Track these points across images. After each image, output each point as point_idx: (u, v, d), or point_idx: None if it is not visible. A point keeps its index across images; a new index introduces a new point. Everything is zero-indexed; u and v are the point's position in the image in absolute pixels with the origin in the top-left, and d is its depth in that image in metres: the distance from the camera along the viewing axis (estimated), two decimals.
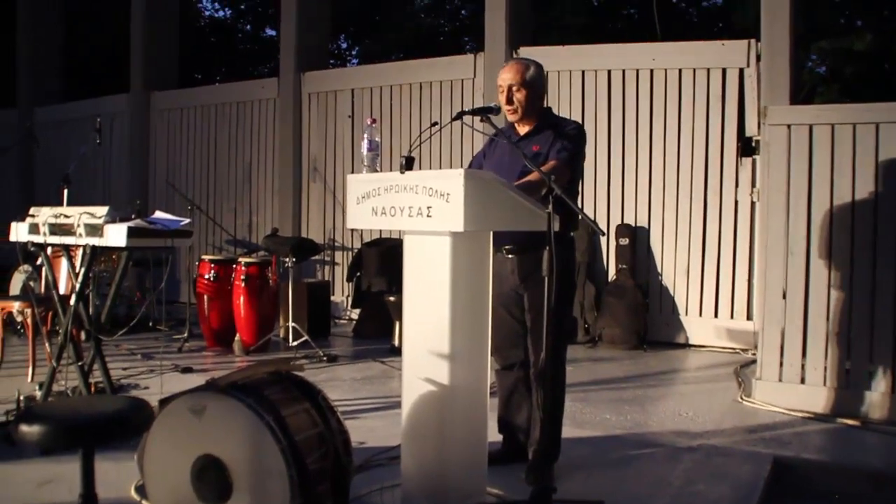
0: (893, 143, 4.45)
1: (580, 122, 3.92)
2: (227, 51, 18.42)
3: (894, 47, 11.13)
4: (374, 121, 3.33)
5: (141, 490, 2.89)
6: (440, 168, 7.65)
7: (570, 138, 3.41)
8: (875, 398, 4.44)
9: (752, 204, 6.67)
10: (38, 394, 4.31)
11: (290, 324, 6.38)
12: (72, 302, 4.13)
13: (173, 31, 10.70)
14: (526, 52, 7.29)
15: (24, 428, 2.25)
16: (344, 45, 18.84)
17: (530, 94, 3.46)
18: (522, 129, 3.55)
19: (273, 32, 17.74)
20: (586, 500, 3.18)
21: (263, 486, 2.48)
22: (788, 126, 4.72)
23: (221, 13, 18.90)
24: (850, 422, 4.37)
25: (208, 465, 2.54)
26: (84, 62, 14.23)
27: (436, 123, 3.29)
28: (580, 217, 3.03)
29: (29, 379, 5.11)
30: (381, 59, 13.81)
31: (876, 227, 4.49)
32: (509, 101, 3.47)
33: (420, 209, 2.80)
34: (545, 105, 3.63)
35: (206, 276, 6.67)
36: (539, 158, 3.36)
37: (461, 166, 6.92)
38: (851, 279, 4.54)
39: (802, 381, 4.65)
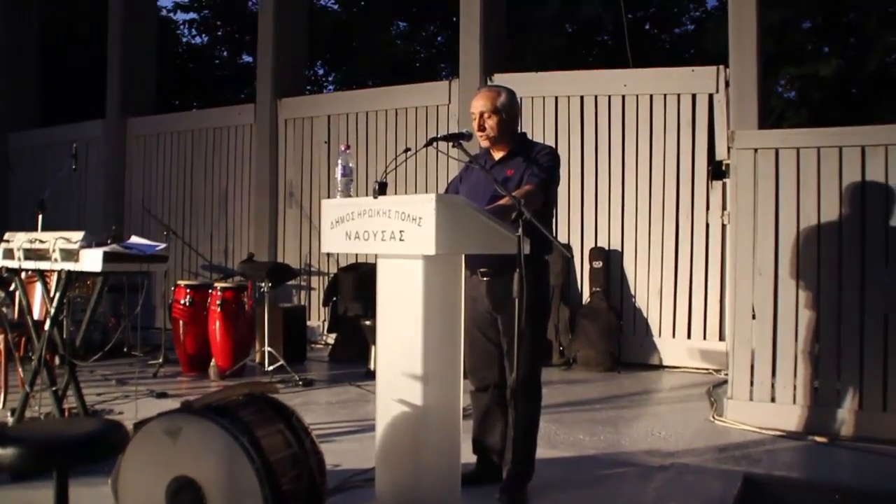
0: (856, 166, 4.56)
1: (553, 146, 3.99)
2: (203, 77, 18.44)
3: (860, 73, 11.38)
4: (347, 147, 3.38)
5: None
6: (414, 193, 7.71)
7: (543, 162, 3.47)
8: (844, 415, 4.52)
9: (723, 226, 6.78)
10: (11, 420, 4.28)
11: (266, 348, 6.38)
12: (46, 327, 4.12)
13: (150, 57, 10.72)
14: (500, 78, 7.39)
15: None
16: (320, 72, 18.94)
17: (501, 121, 3.52)
18: (497, 154, 3.62)
19: (249, 59, 17.83)
20: None
21: None
22: (755, 150, 4.82)
23: (198, 39, 18.93)
24: (819, 439, 4.44)
25: (183, 486, 2.55)
26: (60, 87, 14.19)
27: (408, 149, 3.34)
28: (551, 240, 3.09)
29: (0, 405, 5.07)
30: (357, 85, 13.91)
31: (841, 248, 4.59)
32: (481, 127, 3.54)
33: (393, 233, 2.86)
34: (520, 130, 3.70)
35: (182, 302, 6.66)
36: (512, 183, 3.42)
37: (435, 191, 6.99)
38: (818, 299, 4.63)
39: (773, 399, 4.73)
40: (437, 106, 8.12)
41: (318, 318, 8.57)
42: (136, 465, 2.67)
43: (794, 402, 4.67)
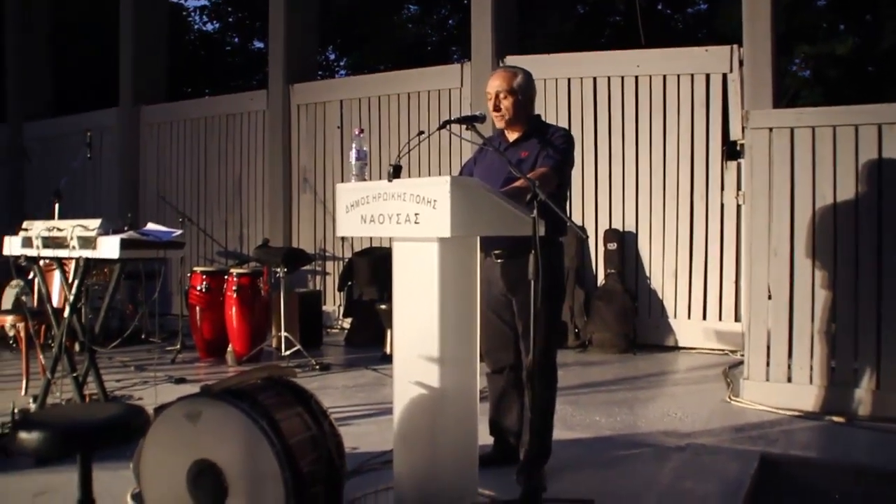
0: (872, 145, 4.53)
1: (567, 128, 3.98)
2: (215, 64, 18.47)
3: (876, 50, 11.26)
4: (361, 131, 3.38)
5: (137, 497, 2.92)
6: (428, 176, 7.71)
7: (557, 144, 3.46)
8: (861, 395, 4.51)
9: (738, 207, 6.74)
10: (33, 406, 4.33)
11: (283, 333, 6.41)
12: (66, 314, 4.17)
13: (162, 45, 10.75)
14: (512, 60, 7.36)
15: (23, 435, 2.29)
16: (332, 56, 18.94)
17: (517, 101, 3.51)
18: (511, 136, 3.61)
19: (261, 45, 17.85)
20: (576, 500, 3.24)
21: (258, 489, 2.52)
22: (770, 129, 4.79)
23: (210, 26, 18.95)
24: (836, 419, 4.44)
25: (204, 469, 2.58)
26: (73, 77, 14.25)
27: (422, 132, 3.34)
28: (566, 221, 3.09)
29: (23, 392, 5.13)
30: (368, 69, 13.88)
31: (857, 227, 4.56)
32: (496, 108, 3.53)
33: (408, 216, 2.86)
34: (534, 112, 3.69)
35: (198, 288, 6.71)
36: (527, 165, 3.42)
37: (448, 174, 6.99)
38: (835, 278, 4.61)
39: (789, 379, 4.72)
40: (450, 89, 8.10)
41: (333, 303, 8.60)
42: (157, 448, 2.70)
43: (811, 382, 4.66)
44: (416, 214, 2.82)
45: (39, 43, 11.73)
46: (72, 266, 4.25)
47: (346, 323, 7.92)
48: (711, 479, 3.54)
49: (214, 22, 18.92)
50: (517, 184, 3.12)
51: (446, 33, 17.72)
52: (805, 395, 4.64)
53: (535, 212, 2.79)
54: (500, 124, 3.59)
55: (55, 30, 12.14)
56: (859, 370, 4.56)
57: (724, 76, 6.89)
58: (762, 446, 3.97)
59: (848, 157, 4.58)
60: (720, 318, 6.90)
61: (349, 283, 7.83)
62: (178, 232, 4.20)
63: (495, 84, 3.52)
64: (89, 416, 2.51)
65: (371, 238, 7.82)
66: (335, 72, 18.61)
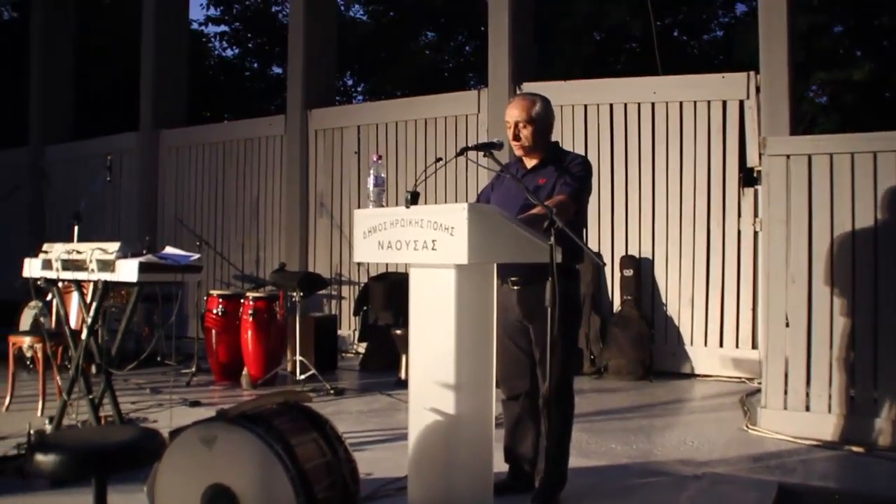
0: (891, 172, 4.50)
1: (584, 155, 3.98)
2: (234, 89, 18.65)
3: (893, 76, 11.24)
4: (379, 157, 3.40)
5: None
6: (444, 202, 7.73)
7: (575, 172, 3.47)
8: (881, 425, 4.45)
9: (755, 233, 6.72)
10: (49, 427, 4.35)
11: (298, 357, 6.41)
12: (83, 336, 4.19)
13: (182, 71, 10.88)
14: (529, 87, 7.39)
15: (39, 457, 2.30)
16: (349, 82, 19.08)
17: (536, 130, 3.52)
18: (529, 163, 3.62)
19: (279, 70, 18.01)
20: None
21: None
22: (787, 156, 4.78)
23: (229, 52, 19.16)
24: (856, 449, 4.38)
25: (218, 494, 2.58)
26: (94, 101, 14.43)
27: (440, 159, 3.36)
28: (583, 249, 3.09)
29: (39, 413, 5.15)
30: (385, 95, 13.98)
31: (876, 254, 4.53)
32: (516, 137, 3.53)
33: (425, 242, 2.87)
34: (552, 139, 3.70)
35: (215, 311, 6.73)
36: (544, 192, 3.42)
37: (465, 200, 7.00)
38: (854, 306, 4.57)
39: (807, 408, 4.67)
40: (466, 115, 8.14)
41: (348, 328, 8.60)
42: (172, 472, 2.70)
43: (830, 411, 4.60)
44: (433, 241, 2.83)
45: (62, 67, 11.90)
46: (90, 288, 4.28)
47: (361, 347, 7.92)
48: None
49: (234, 48, 19.14)
50: (535, 211, 3.13)
51: (463, 59, 17.83)
52: (824, 424, 4.58)
53: (552, 239, 2.79)
54: (519, 153, 3.60)
55: (77, 54, 12.32)
56: (879, 399, 4.50)
57: (741, 103, 6.89)
58: (780, 476, 3.92)
59: (867, 184, 4.56)
60: (737, 346, 6.85)
61: (364, 307, 7.84)
62: (196, 256, 4.23)
63: (514, 113, 3.53)
64: (106, 439, 2.51)
65: (387, 263, 7.83)
66: (352, 97, 18.76)
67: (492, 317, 3.09)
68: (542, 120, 3.53)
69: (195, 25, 17.98)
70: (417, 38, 18.07)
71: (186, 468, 2.66)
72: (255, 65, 19.53)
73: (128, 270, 3.87)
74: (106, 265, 3.95)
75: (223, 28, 18.63)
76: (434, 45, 18.19)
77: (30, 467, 2.35)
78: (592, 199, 6.85)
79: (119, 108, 13.68)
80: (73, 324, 5.13)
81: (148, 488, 2.87)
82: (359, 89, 19.31)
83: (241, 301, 6.67)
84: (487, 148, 3.19)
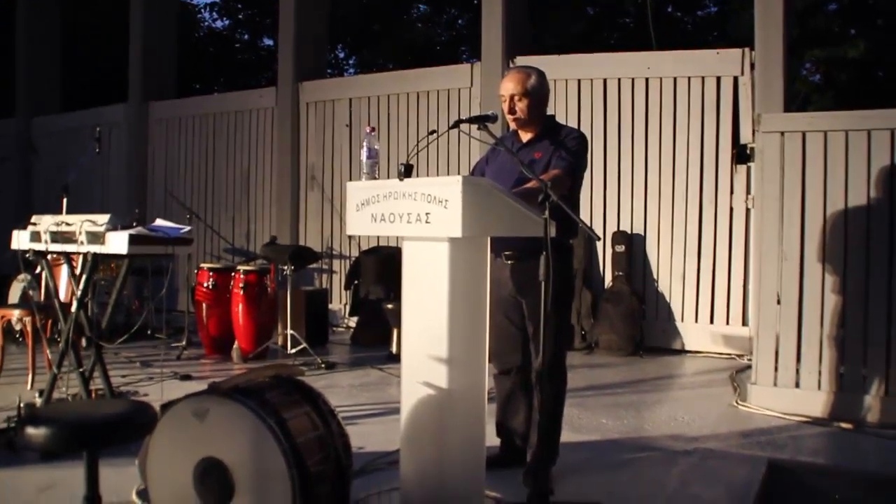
0: (885, 150, 4.49)
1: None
2: (224, 61, 18.49)
3: (888, 55, 11.22)
4: (372, 129, 3.37)
5: (143, 494, 2.92)
6: (437, 176, 7.70)
7: (571, 146, 3.45)
8: (870, 401, 4.48)
9: (747, 210, 6.73)
10: (39, 401, 4.33)
11: (289, 331, 6.40)
12: (73, 309, 4.16)
13: (171, 42, 10.77)
14: (522, 61, 7.34)
15: (30, 431, 2.28)
16: (341, 55, 18.94)
17: (532, 103, 3.49)
18: (525, 137, 3.59)
19: (270, 42, 17.88)
20: (584, 502, 3.22)
21: (265, 488, 2.51)
22: (782, 133, 4.76)
23: (219, 23, 18.97)
24: (845, 425, 4.41)
25: (210, 467, 2.57)
26: (82, 72, 14.28)
27: (434, 132, 3.33)
28: (578, 224, 3.07)
29: (29, 386, 5.13)
30: (377, 68, 13.87)
31: (868, 233, 4.53)
32: (511, 110, 3.50)
33: (419, 215, 2.84)
34: (548, 112, 3.67)
35: (205, 285, 6.70)
36: (540, 166, 3.40)
37: (458, 173, 6.98)
38: (845, 284, 4.58)
39: (797, 385, 4.69)
40: (459, 89, 8.08)
41: (339, 302, 8.59)
42: (163, 445, 2.69)
43: (819, 387, 4.63)
44: (427, 214, 2.81)
45: (50, 38, 11.75)
46: (79, 261, 4.24)
47: (352, 322, 7.91)
48: (719, 484, 3.52)
49: (224, 19, 18.95)
50: (529, 185, 3.11)
51: (455, 33, 17.71)
52: (813, 400, 4.61)
53: (546, 213, 2.77)
54: (514, 126, 3.58)
55: (65, 25, 12.17)
56: (868, 376, 4.53)
57: (735, 79, 6.86)
58: (770, 452, 3.95)
59: (860, 161, 4.55)
60: (727, 322, 6.87)
61: (356, 281, 7.82)
62: (187, 228, 4.20)
63: (509, 86, 3.50)
64: (97, 412, 2.50)
65: (378, 237, 7.81)
66: (344, 70, 18.62)
67: (485, 291, 3.07)
68: (537, 93, 3.50)
69: None
70: (410, 11, 17.93)
71: (178, 441, 2.65)
72: (246, 36, 19.36)
73: (118, 242, 3.83)
74: (96, 237, 3.91)
75: None
76: (426, 17, 18.05)
77: (20, 441, 2.35)
78: (586, 174, 6.86)
79: (108, 79, 13.54)
80: (62, 296, 5.10)
81: (139, 461, 2.86)
82: (350, 62, 19.19)
83: (232, 274, 6.64)
84: (481, 121, 3.16)
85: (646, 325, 7.03)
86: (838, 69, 11.43)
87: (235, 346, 6.46)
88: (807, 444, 4.14)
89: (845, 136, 4.60)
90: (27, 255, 4.39)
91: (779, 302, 4.76)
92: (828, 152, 4.63)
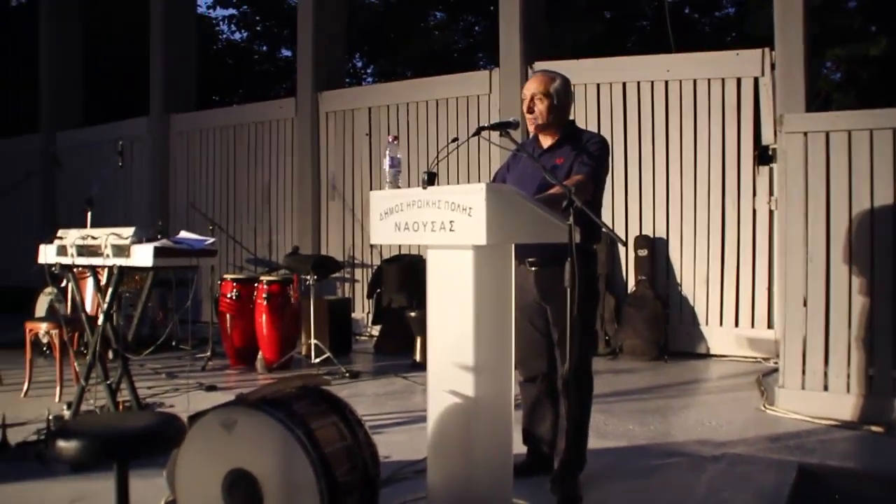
0: None
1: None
2: (244, 72, 18.62)
3: None
4: (395, 138, 3.37)
5: None
6: (459, 183, 7.70)
7: (593, 151, 3.44)
8: None
9: (770, 212, 6.67)
10: (67, 413, 4.36)
11: (312, 341, 6.41)
12: (99, 322, 4.19)
13: (191, 55, 10.87)
14: (541, 66, 7.32)
15: (61, 443, 2.30)
16: (359, 64, 19.02)
17: (552, 106, 3.48)
18: (546, 142, 3.59)
19: (289, 53, 17.97)
20: None
21: (293, 499, 2.51)
22: (805, 134, 4.72)
23: (238, 36, 19.11)
24: (875, 428, 4.35)
25: (239, 479, 2.58)
26: (104, 86, 14.43)
27: (456, 139, 3.32)
28: (602, 229, 3.05)
29: (57, 399, 5.17)
30: (395, 76, 13.90)
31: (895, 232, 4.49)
32: (530, 110, 3.50)
33: (443, 223, 2.84)
34: (570, 119, 3.66)
35: (229, 296, 6.74)
36: (562, 171, 3.39)
37: (480, 180, 6.97)
38: (872, 285, 4.53)
39: (825, 388, 4.64)
40: (478, 96, 8.08)
41: (362, 310, 8.60)
42: (192, 457, 2.70)
43: (848, 390, 4.57)
44: (451, 222, 2.81)
45: (72, 53, 11.89)
46: (105, 274, 4.28)
47: (375, 330, 7.92)
48: (749, 489, 3.48)
49: (242, 31, 19.09)
50: (553, 191, 3.10)
51: (472, 39, 17.73)
52: (842, 404, 4.56)
53: (571, 219, 2.76)
54: (532, 128, 3.56)
55: (87, 40, 12.30)
56: None
57: (756, 80, 6.81)
58: (799, 456, 3.91)
59: (886, 160, 4.50)
60: (752, 326, 6.81)
61: (378, 290, 7.83)
62: (211, 240, 4.22)
63: (531, 87, 3.51)
64: (126, 424, 2.51)
65: (400, 245, 7.82)
66: (362, 79, 18.69)
67: (510, 298, 3.06)
68: (558, 95, 3.50)
69: (203, 9, 17.96)
70: (427, 19, 17.97)
71: (207, 453, 2.66)
72: (264, 48, 19.48)
73: (143, 255, 3.86)
74: (121, 250, 3.94)
75: (231, 11, 18.59)
76: (443, 24, 18.09)
77: (51, 453, 2.36)
78: (607, 179, 6.85)
79: (129, 93, 13.67)
80: (88, 309, 5.15)
81: (167, 473, 2.87)
82: (368, 71, 19.26)
83: (255, 285, 6.67)
84: (503, 127, 3.16)
85: (670, 330, 6.99)
86: (860, 67, 11.31)
87: (259, 356, 6.49)
88: (837, 449, 4.09)
89: (870, 134, 4.56)
90: (53, 269, 4.44)
91: (805, 304, 4.72)
92: (852, 152, 4.59)
